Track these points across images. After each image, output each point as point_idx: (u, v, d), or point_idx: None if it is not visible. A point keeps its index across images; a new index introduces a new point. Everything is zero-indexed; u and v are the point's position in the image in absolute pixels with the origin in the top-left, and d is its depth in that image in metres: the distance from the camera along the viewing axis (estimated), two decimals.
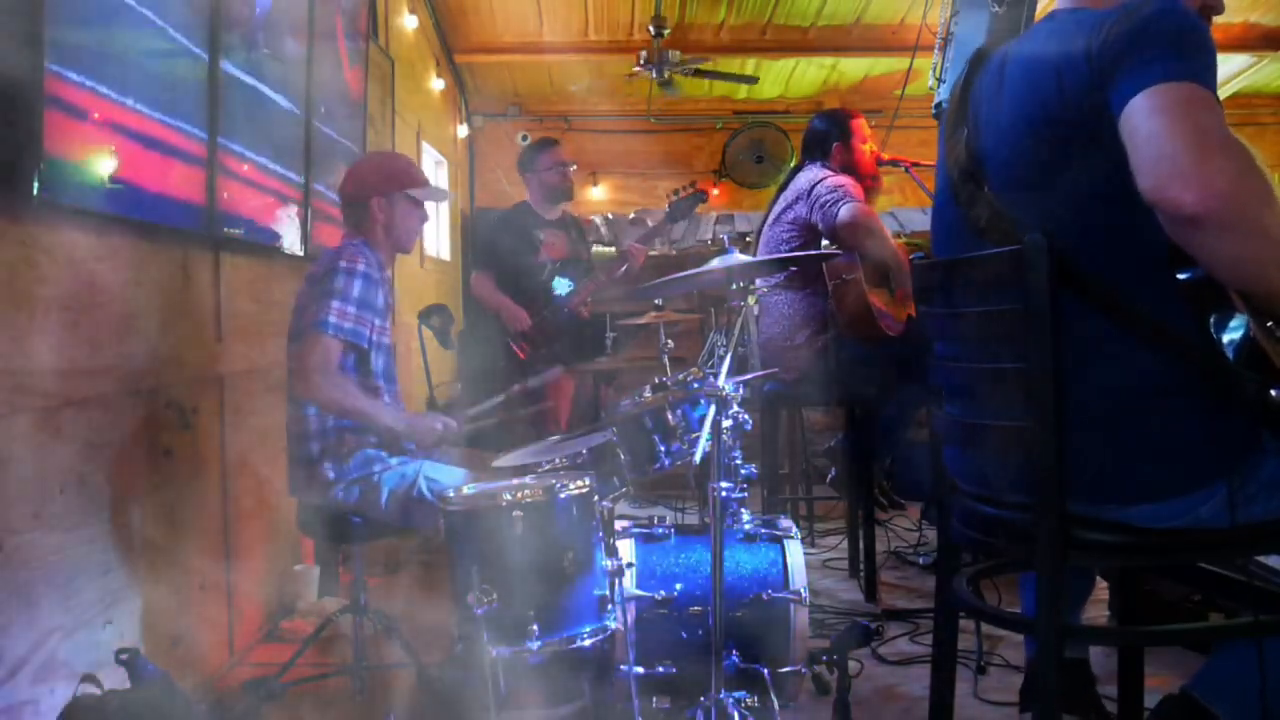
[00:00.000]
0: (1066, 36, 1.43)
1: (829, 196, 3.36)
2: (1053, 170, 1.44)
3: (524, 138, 7.07)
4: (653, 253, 6.37)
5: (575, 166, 4.41)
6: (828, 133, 3.61)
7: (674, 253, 6.37)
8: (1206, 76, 1.30)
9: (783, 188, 3.67)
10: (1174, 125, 1.26)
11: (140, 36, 2.22)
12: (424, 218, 2.69)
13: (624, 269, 4.19)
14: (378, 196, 2.59)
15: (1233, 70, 6.31)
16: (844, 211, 3.30)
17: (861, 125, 3.64)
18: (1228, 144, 1.25)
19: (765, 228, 3.65)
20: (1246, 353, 1.46)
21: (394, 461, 2.49)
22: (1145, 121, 1.28)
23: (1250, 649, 1.49)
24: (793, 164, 3.95)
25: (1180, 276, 1.41)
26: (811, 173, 3.53)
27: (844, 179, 3.45)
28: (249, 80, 2.84)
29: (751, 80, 5.91)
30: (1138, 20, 1.33)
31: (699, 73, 5.43)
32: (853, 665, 2.40)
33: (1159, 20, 1.32)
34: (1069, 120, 1.41)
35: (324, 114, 3.50)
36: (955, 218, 1.59)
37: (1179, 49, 1.30)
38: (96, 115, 2.00)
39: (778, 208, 3.61)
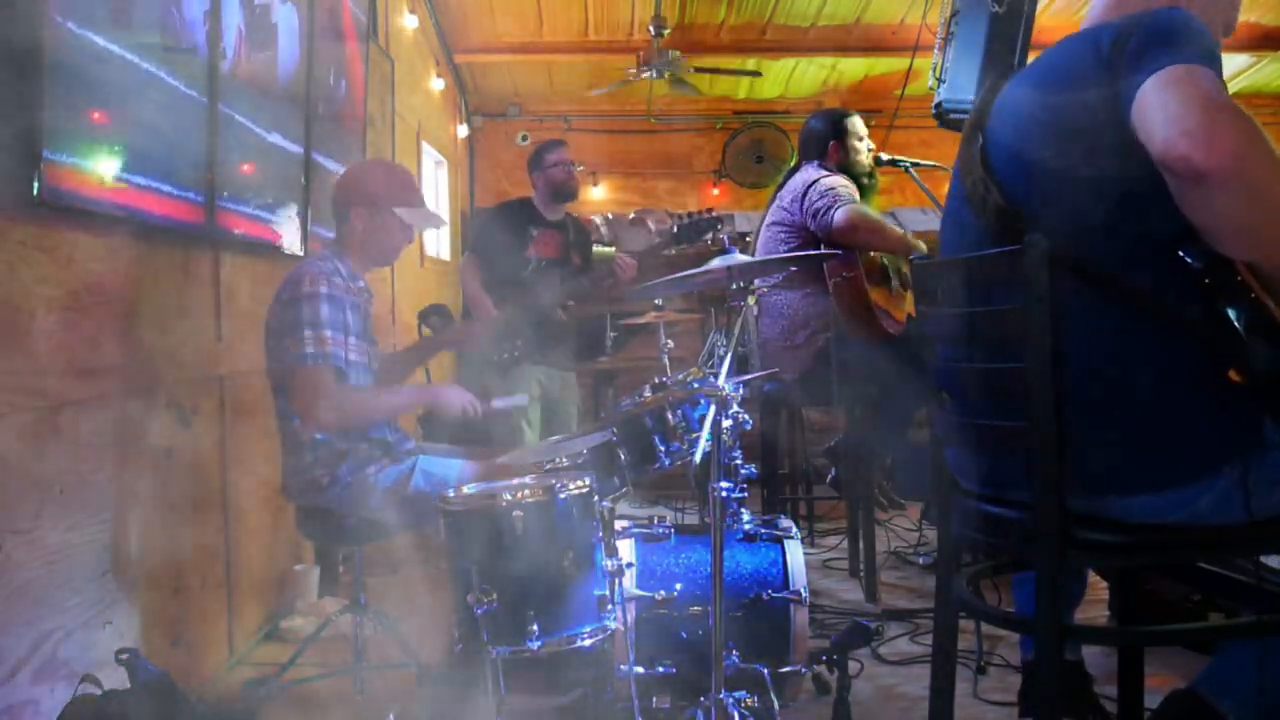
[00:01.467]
0: (1077, 51, 1.49)
1: (821, 202, 3.36)
2: (1061, 167, 1.47)
3: (524, 138, 7.07)
4: None
5: (582, 168, 4.40)
6: (824, 132, 3.62)
7: (674, 253, 6.36)
8: (1210, 63, 1.35)
9: (780, 188, 3.67)
10: (1182, 93, 1.31)
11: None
12: (409, 239, 2.61)
13: (610, 281, 4.13)
14: (360, 207, 2.52)
15: (1233, 70, 6.32)
16: (838, 216, 3.30)
17: (857, 124, 3.64)
18: (1236, 109, 1.30)
19: (762, 228, 3.66)
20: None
21: (387, 461, 2.48)
22: (1155, 96, 1.32)
23: (1257, 647, 1.49)
24: (792, 164, 3.94)
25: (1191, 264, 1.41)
26: (806, 174, 3.53)
27: (837, 180, 3.45)
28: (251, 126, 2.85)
29: (755, 74, 5.90)
30: (1148, 23, 1.40)
31: (700, 70, 5.43)
32: (853, 665, 2.40)
33: (1164, 24, 1.39)
34: (1081, 120, 1.44)
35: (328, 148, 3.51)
36: (969, 224, 1.59)
37: (1185, 43, 1.36)
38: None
39: (774, 208, 3.62)
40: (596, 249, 6.32)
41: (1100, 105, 1.41)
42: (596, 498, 2.11)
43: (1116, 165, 1.39)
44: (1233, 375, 1.41)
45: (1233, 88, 6.43)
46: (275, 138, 3.00)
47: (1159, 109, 1.32)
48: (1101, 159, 1.42)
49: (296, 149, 3.20)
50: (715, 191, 7.23)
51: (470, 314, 4.14)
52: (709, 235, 4.12)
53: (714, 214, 4.12)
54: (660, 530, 2.45)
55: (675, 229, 4.12)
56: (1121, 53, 1.39)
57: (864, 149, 3.63)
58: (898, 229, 3.40)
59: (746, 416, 2.42)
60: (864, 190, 3.53)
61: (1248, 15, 5.66)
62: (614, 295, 4.15)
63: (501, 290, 4.10)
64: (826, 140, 3.59)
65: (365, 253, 2.57)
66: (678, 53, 5.25)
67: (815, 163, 3.59)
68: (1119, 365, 1.43)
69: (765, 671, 2.25)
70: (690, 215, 4.11)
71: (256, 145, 2.88)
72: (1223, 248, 1.34)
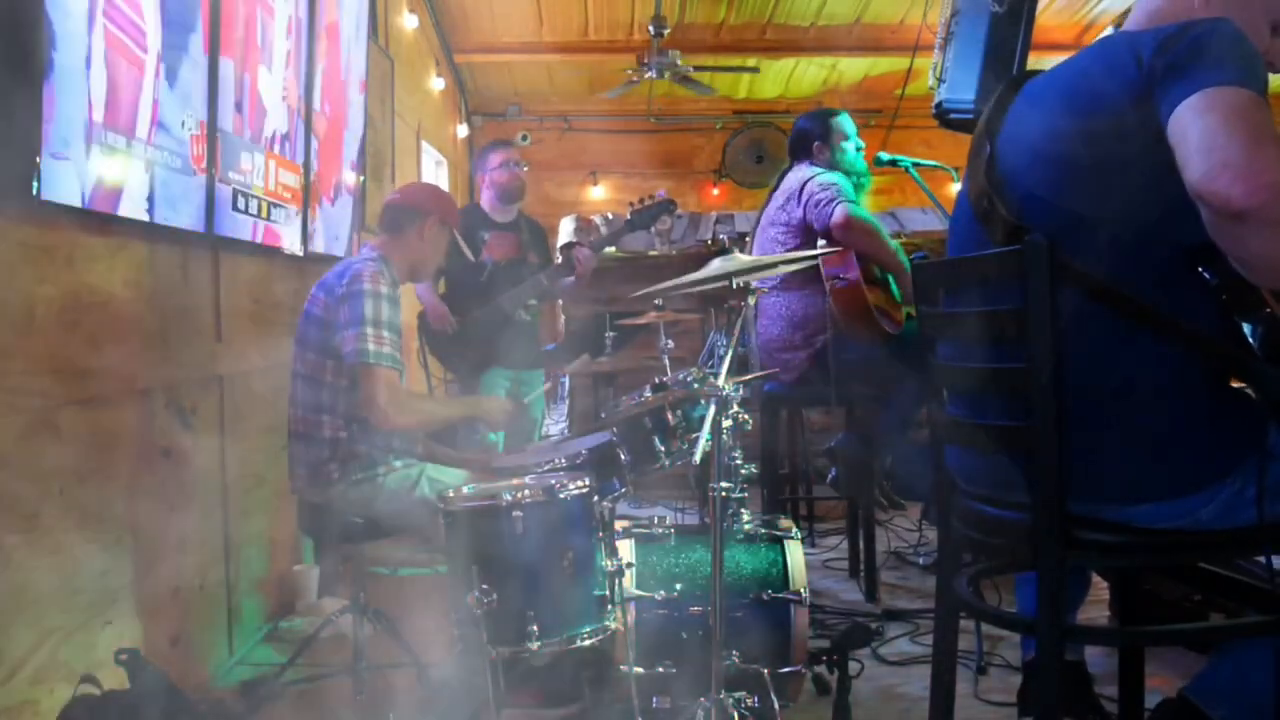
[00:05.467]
0: (1115, 51, 1.44)
1: (822, 195, 3.35)
2: (1080, 176, 1.43)
3: (524, 138, 7.06)
4: (651, 252, 6.38)
5: (527, 168, 4.34)
6: (809, 132, 3.60)
7: (674, 253, 6.36)
8: (1257, 85, 1.30)
9: (774, 188, 3.66)
10: (1226, 122, 1.25)
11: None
12: (443, 265, 2.80)
13: (571, 276, 4.10)
14: (435, 216, 2.62)
15: None
16: (838, 212, 3.30)
17: (843, 124, 3.61)
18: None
19: (759, 229, 3.65)
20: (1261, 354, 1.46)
21: (398, 464, 2.49)
22: (1196, 119, 1.27)
23: (1249, 653, 1.49)
24: (785, 165, 3.93)
25: (1205, 277, 1.40)
26: (801, 171, 3.53)
27: (834, 176, 3.44)
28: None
29: (753, 70, 5.89)
30: (1192, 36, 1.34)
31: (700, 68, 5.42)
32: (853, 665, 2.40)
33: (1212, 35, 1.33)
34: (1103, 127, 1.40)
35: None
36: (976, 228, 1.58)
37: (1231, 59, 1.30)
38: None
39: (771, 208, 3.60)
40: (611, 251, 6.29)
41: (1132, 116, 1.36)
42: (596, 498, 2.12)
43: (1141, 178, 1.35)
44: (1234, 382, 1.41)
45: None
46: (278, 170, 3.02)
47: (1200, 135, 1.26)
48: (1126, 170, 1.38)
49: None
50: (715, 191, 7.23)
51: (427, 322, 4.10)
52: (662, 216, 4.05)
53: (668, 196, 4.06)
54: (660, 530, 2.45)
55: (629, 215, 4.05)
56: (1162, 62, 1.34)
57: (850, 149, 3.59)
58: (893, 245, 3.39)
59: (746, 416, 2.42)
60: (856, 189, 3.51)
61: None
62: (577, 287, 4.10)
63: (459, 297, 4.05)
64: (811, 140, 3.58)
65: (419, 261, 2.65)
66: (678, 52, 5.24)
67: (806, 162, 3.58)
68: (1122, 373, 1.42)
69: (765, 671, 2.25)
70: (641, 200, 4.04)
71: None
72: (1253, 278, 1.31)
